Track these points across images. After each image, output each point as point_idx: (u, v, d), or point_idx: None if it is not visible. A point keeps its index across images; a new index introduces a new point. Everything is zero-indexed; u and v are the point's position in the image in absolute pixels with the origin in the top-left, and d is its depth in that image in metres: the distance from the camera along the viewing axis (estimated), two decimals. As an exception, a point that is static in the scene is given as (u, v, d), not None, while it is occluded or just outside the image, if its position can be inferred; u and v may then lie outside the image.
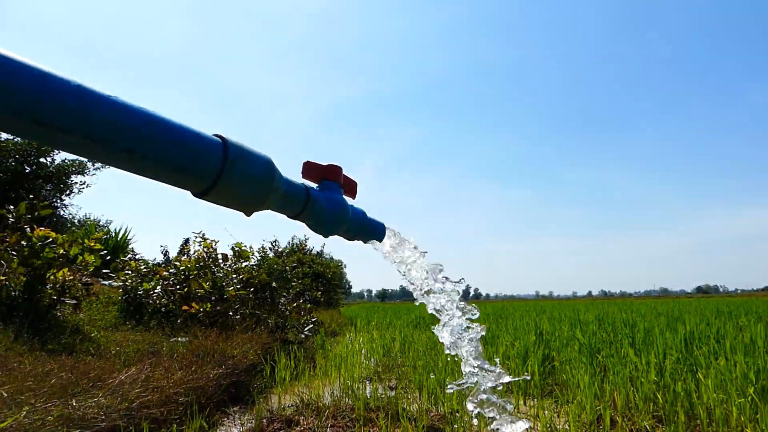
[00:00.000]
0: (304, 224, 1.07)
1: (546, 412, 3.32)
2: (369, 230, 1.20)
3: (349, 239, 1.18)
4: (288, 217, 1.02)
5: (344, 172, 1.15)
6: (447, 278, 1.54)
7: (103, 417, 2.29)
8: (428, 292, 1.67)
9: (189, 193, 0.79)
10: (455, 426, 2.95)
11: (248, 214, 0.92)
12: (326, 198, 1.06)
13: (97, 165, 14.28)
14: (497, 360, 2.01)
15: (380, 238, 1.23)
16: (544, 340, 5.09)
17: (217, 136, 0.77)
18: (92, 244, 4.82)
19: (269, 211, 0.97)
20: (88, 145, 0.61)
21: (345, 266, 36.30)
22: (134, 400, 2.64)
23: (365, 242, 1.23)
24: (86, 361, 3.55)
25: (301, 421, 3.44)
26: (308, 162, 1.09)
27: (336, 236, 1.17)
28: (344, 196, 1.14)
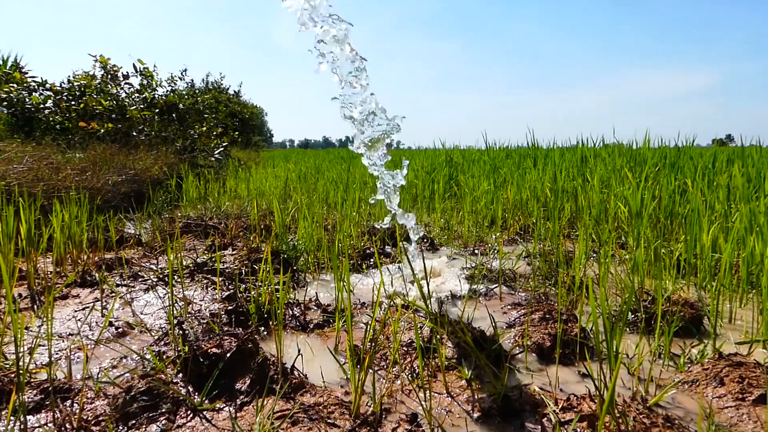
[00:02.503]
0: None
1: (444, 219, 3.47)
2: None
3: None
4: None
5: None
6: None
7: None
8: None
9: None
10: (348, 221, 3.02)
11: None
12: None
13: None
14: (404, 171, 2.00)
15: None
16: (453, 164, 5.22)
17: None
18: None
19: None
20: None
21: (266, 114, 35.22)
22: (12, 180, 2.47)
23: None
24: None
25: (204, 218, 3.42)
26: None
27: None
28: None
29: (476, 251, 2.53)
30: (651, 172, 3.01)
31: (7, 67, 11.52)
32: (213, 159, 6.41)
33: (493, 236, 2.97)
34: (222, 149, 6.77)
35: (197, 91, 13.71)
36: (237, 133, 13.42)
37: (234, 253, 2.28)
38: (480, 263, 2.15)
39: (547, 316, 1.43)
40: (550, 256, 2.27)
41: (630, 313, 1.56)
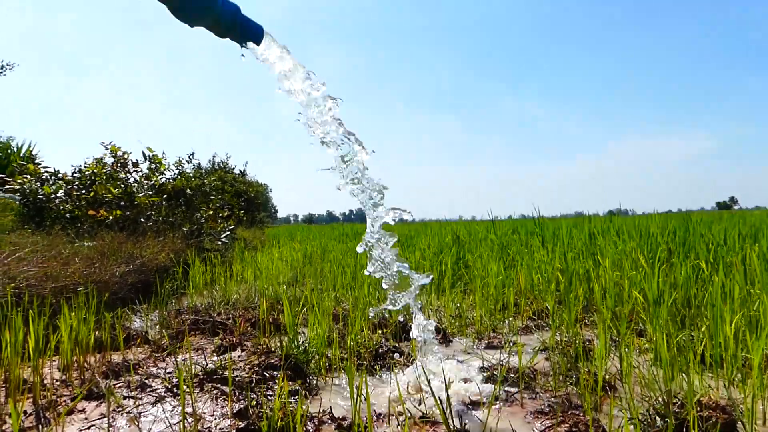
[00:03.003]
0: (165, 8, 0.95)
1: (455, 303, 3.43)
2: (243, 28, 1.07)
3: (219, 35, 1.06)
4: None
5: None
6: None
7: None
8: (326, 143, 1.58)
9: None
10: (366, 309, 2.98)
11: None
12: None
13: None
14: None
15: (257, 41, 1.12)
16: (460, 243, 5.21)
17: None
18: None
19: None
20: None
21: (270, 190, 35.72)
22: (22, 281, 2.46)
23: (241, 45, 1.11)
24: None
25: (211, 311, 3.37)
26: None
27: (204, 29, 1.05)
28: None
29: (492, 343, 2.47)
30: (663, 254, 2.99)
31: (21, 155, 11.87)
32: (220, 243, 6.43)
33: (506, 322, 2.91)
34: (228, 233, 6.81)
35: (203, 172, 13.98)
36: (243, 212, 13.58)
37: (243, 355, 2.22)
38: (498, 362, 2.09)
39: (574, 429, 1.36)
40: (567, 347, 2.22)
41: (658, 417, 1.50)
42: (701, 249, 3.12)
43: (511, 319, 2.99)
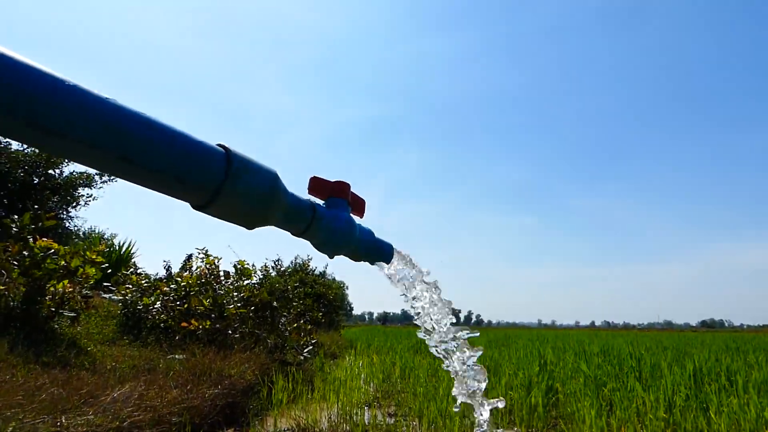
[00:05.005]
0: (308, 242, 1.03)
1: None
2: (376, 251, 1.14)
3: (355, 260, 1.13)
4: (292, 234, 0.97)
5: (352, 190, 1.11)
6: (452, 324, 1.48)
7: (93, 435, 2.22)
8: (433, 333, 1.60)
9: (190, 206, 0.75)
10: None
11: (250, 228, 0.88)
12: (333, 216, 1.01)
13: (105, 178, 14.38)
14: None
15: (387, 260, 1.18)
16: (548, 371, 4.98)
17: (220, 146, 0.73)
18: (94, 256, 4.78)
19: (275, 229, 0.93)
20: (83, 150, 0.57)
21: (347, 288, 36.14)
22: (125, 418, 2.57)
23: (372, 264, 1.18)
24: (79, 376, 3.48)
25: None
26: (315, 177, 1.05)
27: (341, 256, 1.12)
28: (351, 215, 1.10)
29: None
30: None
31: (122, 253, 12.77)
32: (302, 358, 6.49)
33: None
34: (311, 347, 6.87)
35: (287, 275, 14.42)
36: (321, 315, 13.74)
37: None
38: None
39: None
40: None
41: None
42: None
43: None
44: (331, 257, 1.06)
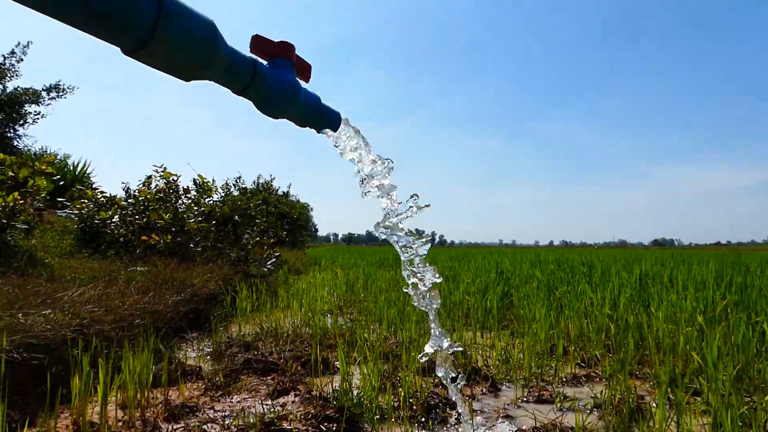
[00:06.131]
0: (250, 102, 1.00)
1: (502, 342, 3.41)
2: (322, 117, 1.13)
3: (299, 125, 1.11)
4: (233, 91, 0.95)
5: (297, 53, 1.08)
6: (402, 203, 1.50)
7: (50, 329, 2.23)
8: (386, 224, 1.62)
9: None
10: (411, 351, 2.99)
11: (187, 79, 0.85)
12: (276, 75, 0.99)
13: (53, 94, 13.72)
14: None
15: (335, 127, 1.17)
16: (504, 278, 5.18)
17: None
18: (44, 167, 4.61)
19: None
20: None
21: (311, 209, 36.19)
22: (86, 317, 2.58)
23: (318, 131, 1.17)
24: (37, 283, 3.45)
25: (260, 345, 3.44)
26: (257, 36, 1.01)
27: (284, 119, 1.10)
28: (297, 79, 1.07)
29: (542, 396, 2.44)
30: (720, 311, 2.91)
31: (77, 173, 12.41)
32: (265, 269, 6.56)
33: (555, 369, 2.88)
34: (274, 260, 6.94)
35: (249, 194, 14.30)
36: (285, 233, 13.80)
37: (297, 401, 2.27)
38: (550, 422, 2.07)
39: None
40: (620, 405, 2.18)
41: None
42: (761, 302, 3.03)
43: (559, 363, 2.95)
44: (275, 118, 1.04)
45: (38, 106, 13.60)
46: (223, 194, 10.28)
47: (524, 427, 2.06)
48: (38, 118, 13.69)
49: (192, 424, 1.99)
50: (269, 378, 2.66)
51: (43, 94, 13.60)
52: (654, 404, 2.18)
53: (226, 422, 2.01)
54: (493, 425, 2.08)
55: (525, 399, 2.44)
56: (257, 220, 8.91)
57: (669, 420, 2.03)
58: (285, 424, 1.85)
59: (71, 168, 12.50)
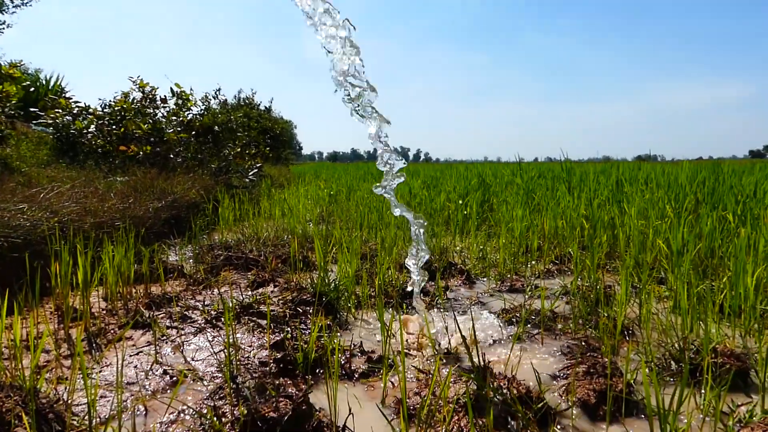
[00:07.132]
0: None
1: (480, 243, 3.49)
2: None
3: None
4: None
5: None
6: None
7: (30, 225, 2.23)
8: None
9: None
10: (390, 251, 3.05)
11: None
12: None
13: (17, 2, 13.00)
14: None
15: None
16: (485, 185, 5.22)
17: None
18: (12, 71, 4.45)
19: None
20: None
21: (295, 127, 35.62)
22: (64, 215, 2.58)
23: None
24: (12, 187, 3.41)
25: (242, 247, 3.49)
26: None
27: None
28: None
29: (514, 286, 2.53)
30: (690, 204, 2.98)
31: (50, 87, 11.99)
32: (247, 180, 6.54)
33: (529, 266, 2.98)
34: (256, 170, 6.90)
35: (230, 108, 13.98)
36: (268, 149, 13.65)
37: (276, 291, 2.33)
38: (520, 305, 2.16)
39: (592, 369, 1.43)
40: (588, 292, 2.27)
41: (673, 362, 1.56)
42: (730, 201, 3.11)
43: (534, 262, 3.05)
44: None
45: (2, 14, 12.91)
46: (202, 107, 10.04)
47: (494, 310, 2.15)
48: (3, 28, 13.03)
49: (174, 311, 2.05)
50: (249, 273, 2.72)
51: (7, 1, 12.88)
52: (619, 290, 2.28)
53: (206, 309, 2.08)
54: (466, 309, 2.16)
55: (498, 289, 2.53)
56: (239, 134, 8.78)
57: (632, 302, 2.13)
58: (263, 308, 1.91)
59: (44, 82, 12.07)
